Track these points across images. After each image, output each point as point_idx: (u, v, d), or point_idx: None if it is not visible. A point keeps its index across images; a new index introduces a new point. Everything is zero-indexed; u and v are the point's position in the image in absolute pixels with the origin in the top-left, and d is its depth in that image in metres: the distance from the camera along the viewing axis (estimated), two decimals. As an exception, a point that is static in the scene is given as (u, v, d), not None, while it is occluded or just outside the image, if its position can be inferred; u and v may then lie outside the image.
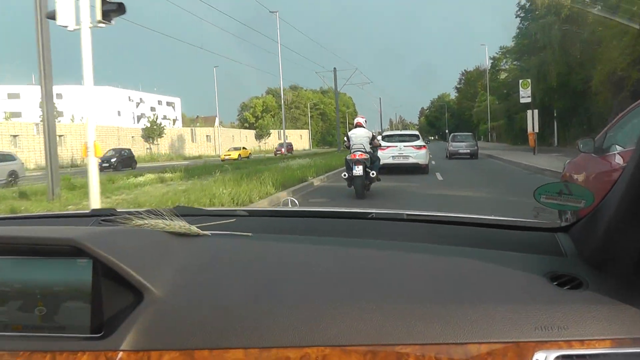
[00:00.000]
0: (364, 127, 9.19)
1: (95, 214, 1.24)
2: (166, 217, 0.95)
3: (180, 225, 0.95)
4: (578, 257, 0.88)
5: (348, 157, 8.69)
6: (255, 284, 0.80)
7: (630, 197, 0.70)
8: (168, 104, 73.14)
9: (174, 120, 67.13)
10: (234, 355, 0.71)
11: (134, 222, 0.95)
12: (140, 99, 66.64)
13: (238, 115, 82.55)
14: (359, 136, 8.92)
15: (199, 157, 47.67)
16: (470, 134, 24.96)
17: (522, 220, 1.12)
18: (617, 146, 3.77)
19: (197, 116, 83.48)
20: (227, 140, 58.05)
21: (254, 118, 76.40)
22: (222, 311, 0.75)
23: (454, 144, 22.96)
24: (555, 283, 0.79)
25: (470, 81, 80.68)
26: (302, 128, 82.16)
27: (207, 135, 56.73)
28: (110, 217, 1.02)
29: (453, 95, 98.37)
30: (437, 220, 1.14)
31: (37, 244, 0.78)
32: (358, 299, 0.76)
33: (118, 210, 1.19)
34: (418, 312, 0.74)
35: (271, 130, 69.65)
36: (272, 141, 68.27)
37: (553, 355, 0.69)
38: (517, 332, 0.71)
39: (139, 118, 61.53)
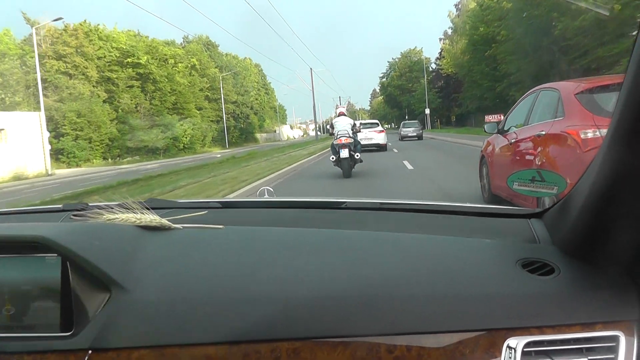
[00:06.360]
0: (346, 116, 10.93)
1: (66, 208, 1.23)
2: (137, 211, 0.95)
3: (151, 218, 0.94)
4: (550, 243, 0.89)
5: (335, 142, 10.28)
6: (226, 278, 0.80)
7: (602, 183, 0.68)
8: None
9: None
10: (204, 350, 0.72)
11: (105, 216, 0.95)
12: None
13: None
14: (343, 123, 10.52)
15: None
16: (416, 121, 32.99)
17: (496, 207, 1.14)
18: (513, 127, 5.53)
19: None
20: None
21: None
22: (193, 306, 0.75)
23: (404, 129, 30.59)
24: (527, 269, 0.79)
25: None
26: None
27: None
28: (81, 212, 1.02)
29: (429, 53, 61.98)
30: (410, 209, 1.15)
31: (4, 242, 0.77)
32: (330, 291, 0.76)
33: (90, 204, 1.17)
34: (389, 302, 0.74)
35: None
36: None
37: (524, 341, 0.70)
38: (489, 320, 0.72)
39: None
